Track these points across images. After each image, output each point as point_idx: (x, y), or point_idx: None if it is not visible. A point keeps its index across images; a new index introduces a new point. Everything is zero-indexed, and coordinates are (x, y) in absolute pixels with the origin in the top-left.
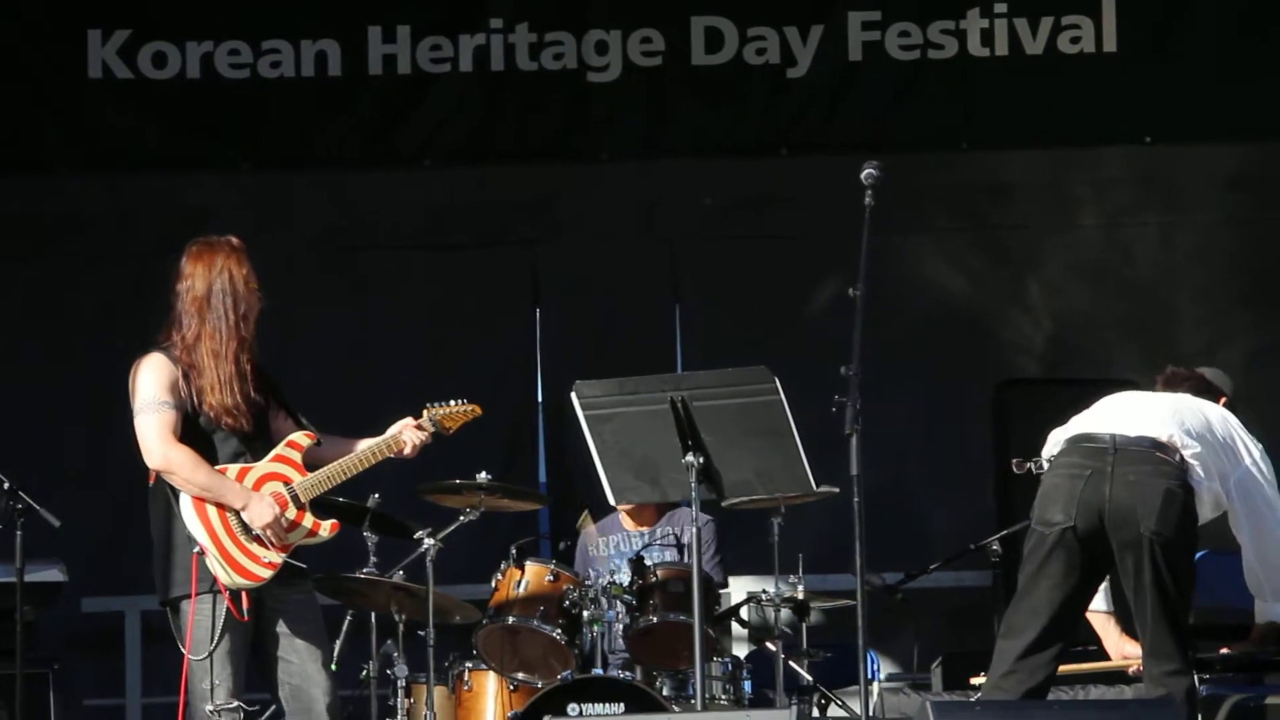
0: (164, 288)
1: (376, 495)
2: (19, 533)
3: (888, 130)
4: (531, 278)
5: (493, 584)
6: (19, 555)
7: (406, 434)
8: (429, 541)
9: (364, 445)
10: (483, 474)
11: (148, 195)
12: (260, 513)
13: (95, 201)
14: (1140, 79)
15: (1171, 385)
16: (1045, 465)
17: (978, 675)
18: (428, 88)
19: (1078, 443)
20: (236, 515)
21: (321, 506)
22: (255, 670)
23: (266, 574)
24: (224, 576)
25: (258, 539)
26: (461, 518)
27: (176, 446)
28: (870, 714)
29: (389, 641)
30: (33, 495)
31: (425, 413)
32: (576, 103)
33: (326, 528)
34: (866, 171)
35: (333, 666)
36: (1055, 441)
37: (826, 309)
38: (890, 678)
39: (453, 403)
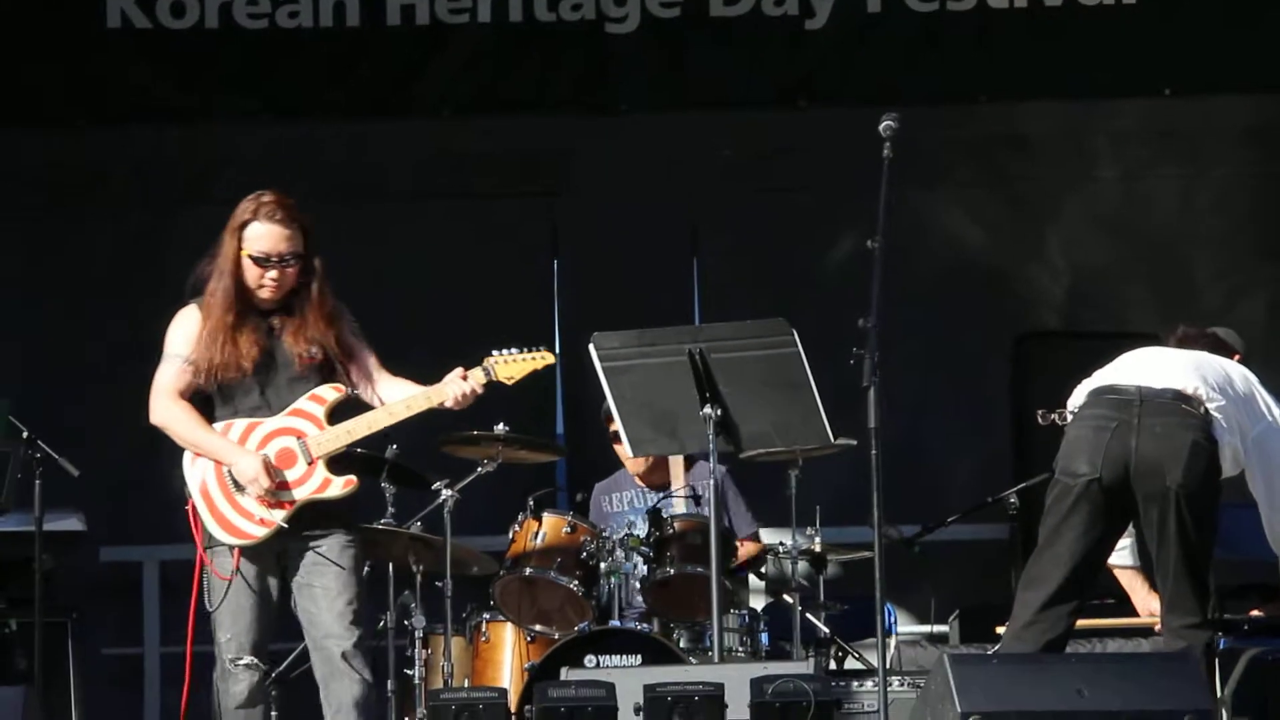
0: (181, 238)
1: (394, 446)
2: (38, 481)
3: (906, 82)
4: (550, 229)
5: (510, 535)
6: (38, 504)
7: (449, 387)
8: (447, 492)
9: (399, 398)
10: (500, 425)
11: (165, 146)
12: (244, 468)
13: (113, 153)
14: (1158, 31)
15: (1185, 344)
16: (1069, 417)
17: (1001, 625)
18: (446, 38)
19: (1103, 394)
20: (230, 472)
21: (338, 459)
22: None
23: (259, 532)
24: (215, 533)
25: (258, 496)
26: (479, 469)
27: (174, 403)
28: (888, 667)
29: (406, 592)
30: (52, 445)
31: (485, 361)
32: (594, 54)
33: (338, 485)
34: (885, 124)
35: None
36: (1080, 393)
37: (845, 262)
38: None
39: (514, 351)
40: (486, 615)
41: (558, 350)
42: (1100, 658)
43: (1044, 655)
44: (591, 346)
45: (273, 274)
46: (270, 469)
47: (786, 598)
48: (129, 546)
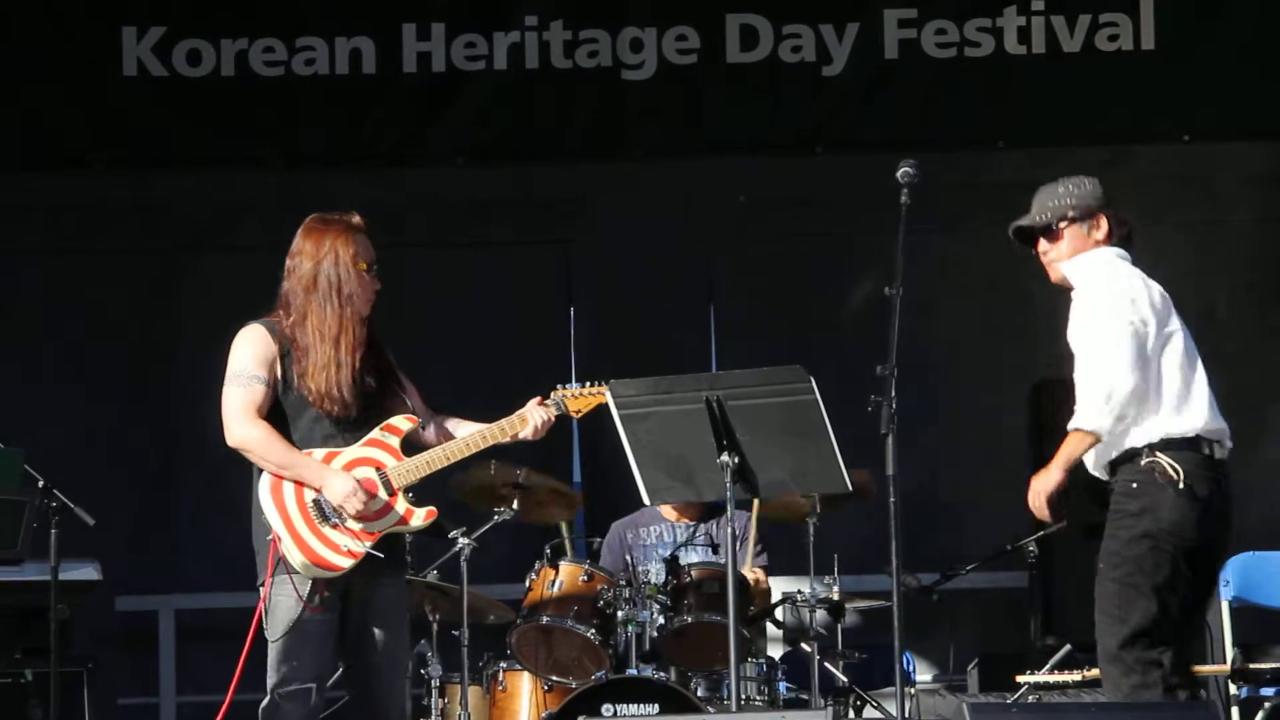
0: (194, 284)
1: (410, 494)
2: (54, 531)
3: (924, 128)
4: (565, 276)
5: (527, 584)
6: (54, 553)
7: (533, 412)
8: (463, 541)
9: (474, 429)
10: (518, 472)
11: (182, 192)
12: (338, 488)
13: (129, 198)
14: (1178, 76)
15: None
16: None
17: (1020, 674)
18: (462, 85)
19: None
20: (316, 502)
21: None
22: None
23: (345, 563)
24: (298, 563)
25: (338, 526)
26: (496, 517)
27: (255, 423)
28: (906, 715)
29: (423, 641)
30: (67, 493)
31: (553, 394)
32: (611, 100)
33: (420, 516)
34: (903, 170)
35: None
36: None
37: (862, 308)
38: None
39: (578, 386)
40: (503, 664)
41: None
42: (1115, 706)
43: (1062, 704)
44: (608, 394)
45: (377, 286)
46: (359, 486)
47: (804, 646)
48: (144, 595)
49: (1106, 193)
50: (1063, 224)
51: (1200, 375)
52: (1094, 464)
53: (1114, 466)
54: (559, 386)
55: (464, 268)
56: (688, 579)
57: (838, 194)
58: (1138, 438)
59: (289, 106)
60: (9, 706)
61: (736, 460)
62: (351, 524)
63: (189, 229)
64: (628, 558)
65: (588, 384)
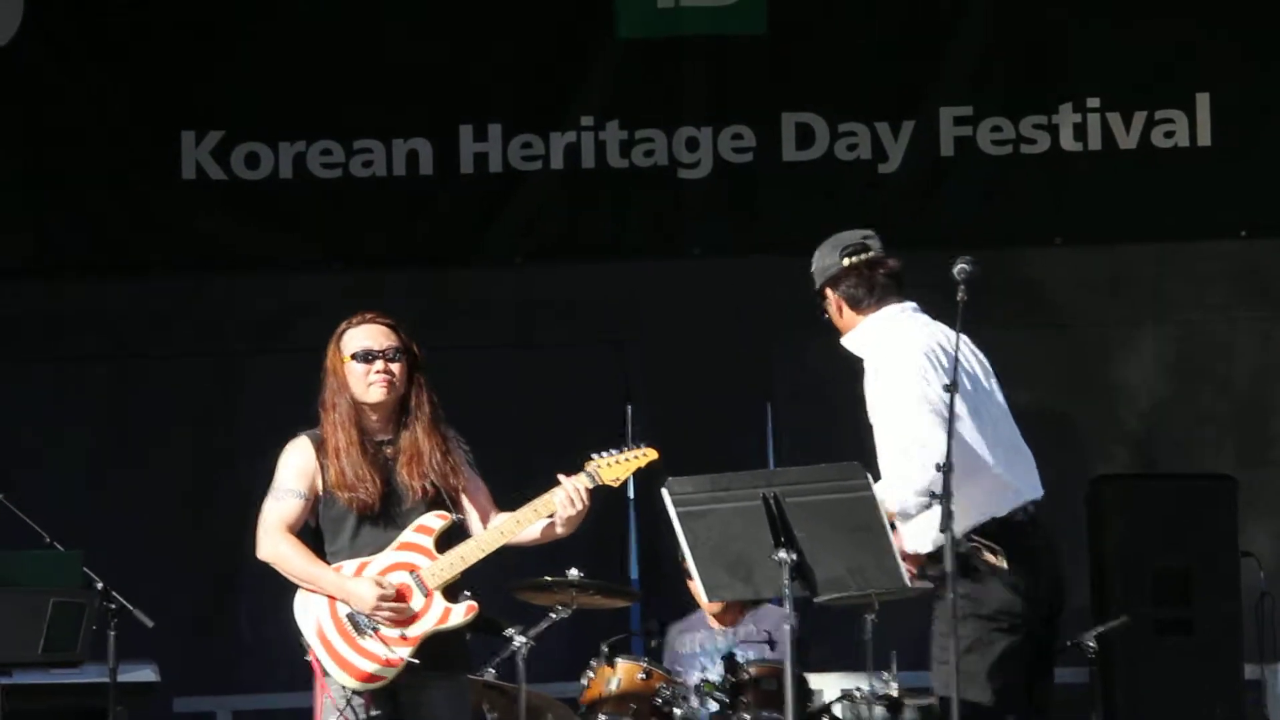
0: (254, 386)
1: (467, 592)
2: (112, 633)
3: (981, 225)
4: (622, 375)
5: (584, 682)
6: (112, 656)
7: (557, 495)
8: (520, 639)
9: (503, 517)
10: (574, 570)
11: (241, 295)
12: (362, 597)
13: (189, 301)
14: (1235, 173)
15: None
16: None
17: None
18: (518, 185)
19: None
20: (350, 615)
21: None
22: None
23: (386, 673)
24: (340, 678)
25: (376, 634)
26: (552, 615)
27: (284, 538)
28: None
29: None
30: (126, 595)
31: (587, 466)
32: (667, 199)
33: (460, 613)
34: (959, 267)
35: None
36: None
37: None
38: None
39: (615, 452)
40: None
41: (630, 495)
42: None
43: None
44: (664, 492)
45: (378, 367)
46: (386, 589)
47: None
48: (202, 696)
49: (862, 244)
50: (827, 294)
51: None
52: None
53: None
54: (592, 456)
55: (520, 368)
56: (746, 676)
57: None
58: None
59: (347, 208)
60: None
61: (794, 558)
62: (388, 631)
63: (249, 332)
64: (677, 667)
65: (624, 449)
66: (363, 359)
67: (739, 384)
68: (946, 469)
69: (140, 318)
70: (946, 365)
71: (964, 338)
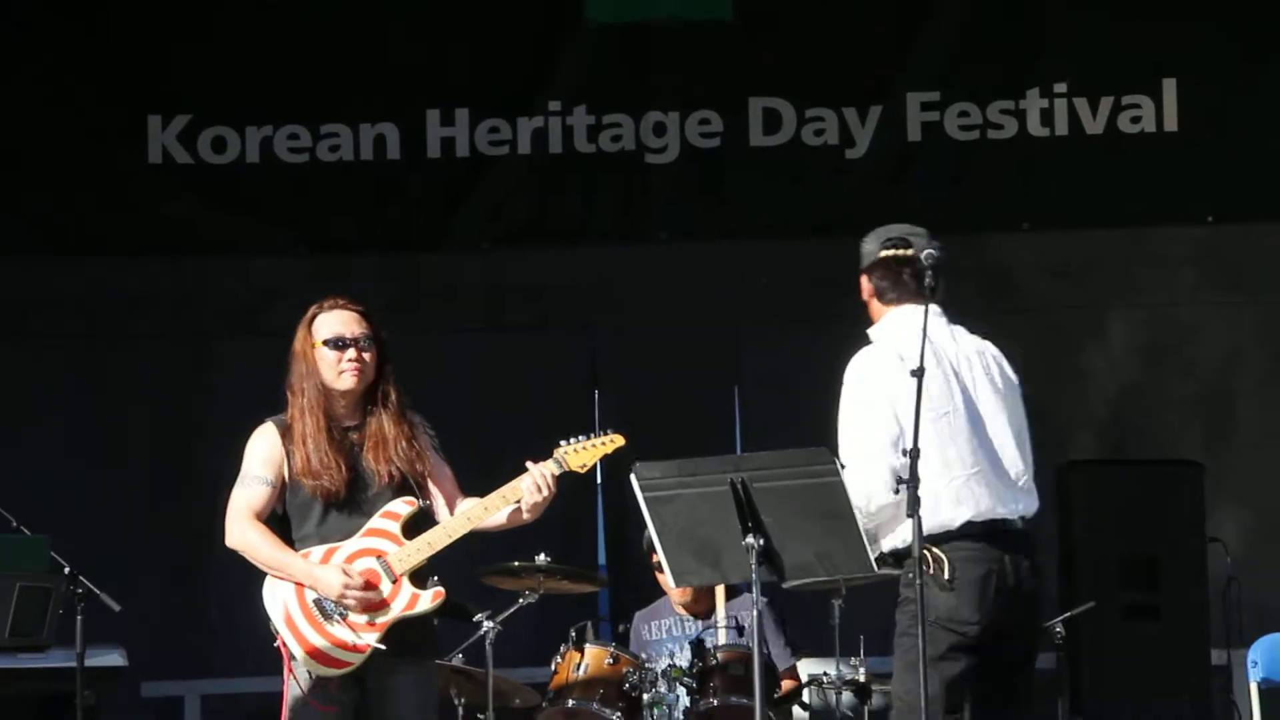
0: (221, 369)
1: (434, 578)
2: (79, 617)
3: (948, 210)
4: (590, 359)
5: (552, 667)
6: (79, 640)
7: (524, 480)
8: (488, 624)
9: (468, 503)
10: (541, 556)
11: (207, 279)
12: (329, 583)
13: (155, 284)
14: (1202, 158)
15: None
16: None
17: None
18: (486, 170)
19: None
20: (318, 601)
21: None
22: None
23: (353, 659)
24: (308, 664)
25: (343, 620)
26: (520, 600)
27: (251, 525)
28: None
29: None
30: (93, 579)
31: (555, 452)
32: (635, 184)
33: (427, 599)
34: (927, 251)
35: None
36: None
37: None
38: None
39: (583, 438)
40: None
41: (598, 480)
42: None
43: None
44: (633, 476)
45: (350, 355)
46: (353, 576)
47: None
48: (171, 681)
49: (903, 240)
50: (862, 279)
51: (977, 454)
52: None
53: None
54: (560, 442)
55: (489, 352)
56: (714, 661)
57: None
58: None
59: (314, 193)
60: None
61: (762, 543)
62: (356, 617)
63: (215, 315)
64: (642, 654)
65: (591, 436)
66: (334, 346)
67: (707, 369)
68: (913, 454)
69: (107, 301)
70: (930, 373)
71: (988, 350)
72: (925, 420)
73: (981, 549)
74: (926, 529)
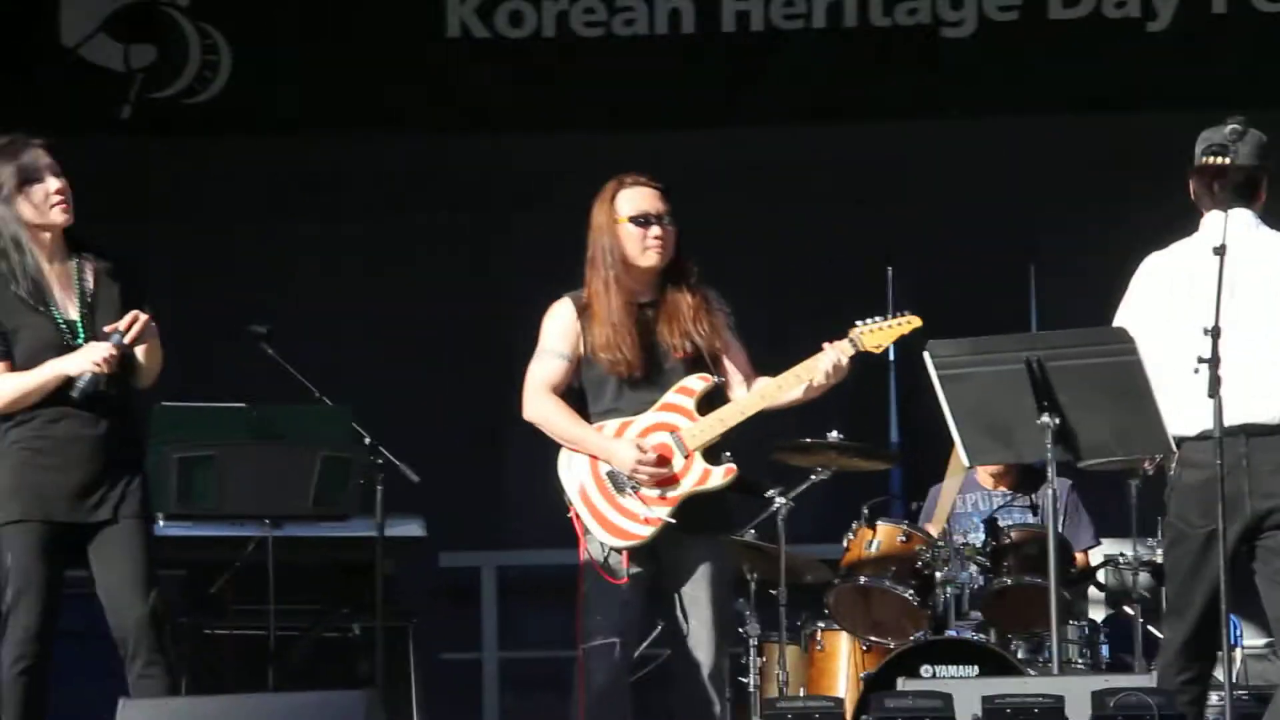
0: (519, 243)
1: (727, 454)
2: (379, 488)
3: (1252, 84)
4: (884, 236)
5: (844, 544)
6: (380, 510)
7: (820, 360)
8: (780, 500)
9: (764, 381)
10: (834, 433)
11: (503, 154)
12: (623, 457)
13: (451, 159)
14: None
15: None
16: None
17: None
18: (780, 44)
19: None
20: (611, 474)
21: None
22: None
23: (644, 531)
24: (600, 535)
25: (635, 495)
26: (812, 476)
27: (547, 398)
28: (1234, 681)
29: (741, 600)
30: (394, 450)
31: (850, 332)
32: (929, 59)
33: (719, 474)
34: (1230, 128)
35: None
36: None
37: None
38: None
39: (878, 319)
40: (821, 624)
41: (891, 357)
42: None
43: None
44: (926, 354)
45: (655, 232)
46: (646, 450)
47: (1127, 610)
48: (467, 552)
49: (1220, 147)
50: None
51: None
52: None
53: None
54: (856, 324)
55: (779, 230)
56: (1007, 540)
57: (1161, 153)
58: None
59: (608, 67)
60: (336, 661)
61: (1057, 422)
62: (648, 491)
63: (511, 190)
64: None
65: (887, 317)
66: (641, 222)
67: (1002, 247)
68: (1214, 333)
69: (402, 176)
70: (1199, 282)
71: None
72: (1187, 330)
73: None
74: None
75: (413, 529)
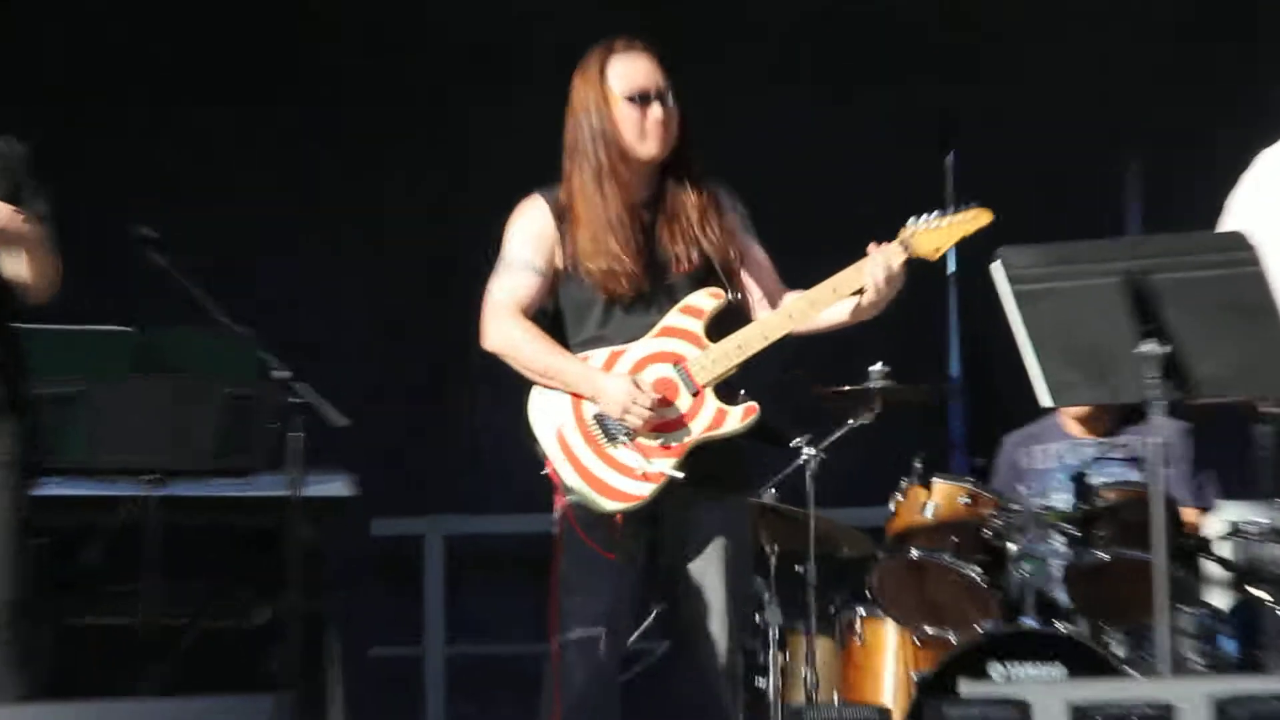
0: (479, 128)
1: (743, 392)
2: (296, 434)
3: None
4: (943, 118)
5: (891, 507)
6: (296, 463)
7: (865, 267)
8: (809, 451)
9: (793, 297)
10: (878, 365)
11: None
12: (614, 396)
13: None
14: None
15: None
16: None
17: None
18: None
19: None
20: (599, 417)
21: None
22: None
23: (643, 490)
24: (582, 492)
25: (631, 442)
26: (851, 422)
27: (512, 321)
28: None
29: (758, 580)
30: (319, 389)
31: (901, 234)
32: None
33: (736, 416)
34: None
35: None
36: None
37: None
38: None
39: (936, 215)
40: (861, 610)
41: (951, 269)
42: None
43: None
44: (996, 264)
45: (657, 114)
46: (644, 387)
47: (1259, 593)
48: (408, 518)
49: None
50: None
51: None
52: None
53: None
54: (909, 223)
55: (812, 111)
56: (1101, 503)
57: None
58: None
59: None
60: (235, 657)
61: (1165, 350)
62: (646, 440)
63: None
64: (1020, 487)
65: (946, 212)
66: (638, 101)
67: (1096, 133)
68: None
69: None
70: None
71: None
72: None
73: None
74: None
75: (337, 488)
